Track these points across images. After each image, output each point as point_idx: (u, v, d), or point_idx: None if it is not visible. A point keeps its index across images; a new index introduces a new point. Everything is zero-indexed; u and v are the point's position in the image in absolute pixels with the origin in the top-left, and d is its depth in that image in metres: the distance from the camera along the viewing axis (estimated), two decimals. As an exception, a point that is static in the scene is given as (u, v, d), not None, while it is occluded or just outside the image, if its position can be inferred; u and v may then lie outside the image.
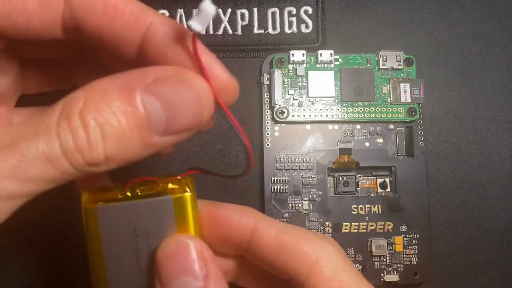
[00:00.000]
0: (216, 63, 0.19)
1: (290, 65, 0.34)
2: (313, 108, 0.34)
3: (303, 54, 0.34)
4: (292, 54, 0.34)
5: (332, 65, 0.34)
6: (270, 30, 0.35)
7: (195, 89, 0.18)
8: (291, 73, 0.34)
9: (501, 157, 0.35)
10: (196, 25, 0.17)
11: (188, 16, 0.35)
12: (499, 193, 0.35)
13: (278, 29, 0.35)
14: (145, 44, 0.19)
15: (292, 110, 0.33)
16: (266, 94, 0.34)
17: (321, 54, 0.34)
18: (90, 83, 0.18)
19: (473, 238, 0.34)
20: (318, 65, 0.34)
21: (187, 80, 0.18)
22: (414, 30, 0.36)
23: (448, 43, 0.36)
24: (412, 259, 0.33)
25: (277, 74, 0.34)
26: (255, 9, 0.35)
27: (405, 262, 0.33)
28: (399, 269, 0.33)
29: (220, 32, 0.35)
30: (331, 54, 0.34)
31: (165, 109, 0.17)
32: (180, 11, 0.35)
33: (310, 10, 0.35)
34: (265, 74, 0.34)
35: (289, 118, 0.33)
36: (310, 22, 0.35)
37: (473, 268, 0.34)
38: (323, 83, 0.34)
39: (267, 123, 0.34)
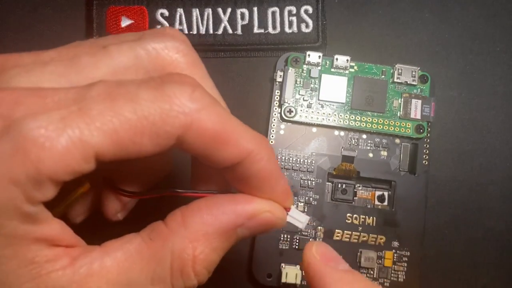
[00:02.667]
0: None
1: (305, 66, 0.34)
2: (321, 111, 0.33)
3: (319, 57, 0.33)
4: (309, 55, 0.33)
5: (347, 72, 0.34)
6: (270, 29, 0.35)
7: (277, 225, 0.22)
8: (305, 74, 0.34)
9: (502, 157, 0.35)
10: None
11: (188, 15, 0.34)
12: (500, 194, 0.34)
13: (278, 29, 0.35)
14: (239, 166, 0.20)
15: (301, 110, 0.33)
16: (277, 91, 0.34)
17: (337, 59, 0.33)
18: (192, 222, 0.20)
19: (473, 238, 0.34)
20: (332, 69, 0.34)
21: (276, 217, 0.21)
22: (415, 29, 0.36)
23: (448, 43, 0.36)
24: (399, 276, 0.33)
25: (291, 72, 0.33)
26: (255, 9, 0.35)
27: (392, 278, 0.33)
28: (386, 284, 0.33)
29: (220, 31, 0.35)
30: (347, 60, 0.33)
31: (252, 233, 0.21)
32: (180, 11, 0.35)
33: (310, 9, 0.35)
34: (278, 71, 0.34)
35: (296, 118, 0.33)
36: (310, 22, 0.35)
37: (474, 269, 0.34)
38: (335, 88, 0.33)
39: (274, 120, 0.33)
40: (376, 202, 0.33)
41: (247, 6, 0.35)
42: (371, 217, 0.33)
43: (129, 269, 0.19)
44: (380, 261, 0.33)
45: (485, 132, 0.35)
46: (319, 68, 0.34)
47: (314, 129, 0.34)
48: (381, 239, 0.33)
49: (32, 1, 0.35)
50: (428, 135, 0.34)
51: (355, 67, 0.34)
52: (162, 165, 0.26)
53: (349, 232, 0.33)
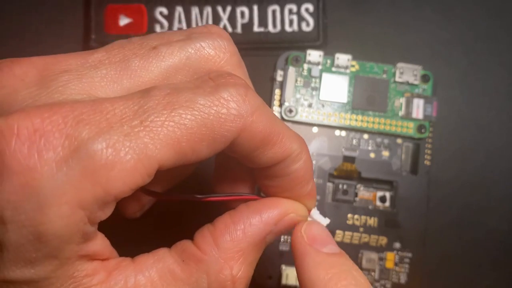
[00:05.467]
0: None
1: (305, 65, 0.33)
2: (322, 111, 0.33)
3: (320, 55, 0.33)
4: (309, 54, 0.33)
5: (348, 71, 0.33)
6: (270, 28, 0.34)
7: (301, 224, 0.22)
8: (305, 73, 0.33)
9: (504, 157, 0.34)
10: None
11: (187, 14, 0.34)
12: (502, 194, 0.34)
13: (279, 28, 0.34)
14: (278, 165, 0.20)
15: (301, 110, 0.33)
16: (277, 90, 0.33)
17: (338, 58, 0.33)
18: (223, 241, 0.20)
19: (476, 239, 0.34)
20: (333, 68, 0.33)
21: (300, 217, 0.22)
22: (416, 29, 0.35)
23: (451, 42, 0.35)
24: (401, 277, 0.32)
25: (291, 71, 0.33)
26: (255, 7, 0.34)
27: (393, 280, 0.32)
28: (387, 285, 0.32)
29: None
30: (348, 59, 0.33)
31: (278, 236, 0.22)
32: (179, 9, 0.34)
33: (311, 8, 0.34)
34: (279, 70, 0.33)
35: (297, 118, 0.33)
36: (311, 20, 0.34)
37: (477, 269, 0.34)
38: (336, 87, 0.33)
39: (274, 119, 0.33)
40: (378, 203, 0.33)
41: (247, 4, 0.34)
42: (372, 218, 0.33)
43: None
44: (381, 263, 0.32)
45: (487, 131, 0.35)
46: (320, 67, 0.33)
47: (315, 129, 0.33)
48: (382, 240, 0.33)
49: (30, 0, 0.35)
50: (430, 135, 0.33)
51: (356, 66, 0.33)
52: (188, 167, 0.25)
53: (350, 233, 0.32)
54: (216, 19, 0.34)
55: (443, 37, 0.35)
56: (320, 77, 0.33)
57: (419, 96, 0.33)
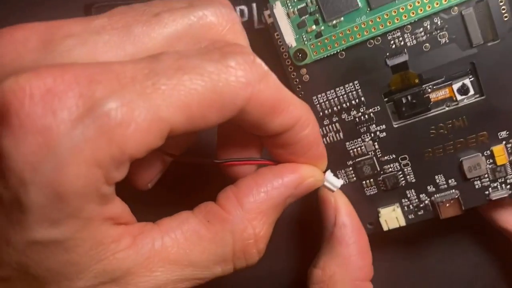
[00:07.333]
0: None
1: (288, -12, 0.25)
2: (337, 32, 0.25)
3: (300, -34, 0.24)
4: (286, -28, 0.24)
5: (344, -35, 0.24)
6: None
7: (316, 187, 0.23)
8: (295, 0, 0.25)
9: None
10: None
11: None
12: None
13: None
14: (286, 133, 0.21)
15: (312, 47, 0.26)
16: (276, 35, 0.26)
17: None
18: (247, 202, 0.21)
19: None
20: (324, -27, 0.24)
21: (317, 181, 0.23)
22: None
23: None
24: (521, 169, 0.26)
25: (278, 6, 0.25)
26: (254, 5, 0.30)
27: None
28: (508, 180, 0.26)
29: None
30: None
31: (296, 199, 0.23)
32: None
33: None
34: (264, 11, 0.26)
35: (313, 58, 0.26)
36: None
37: None
38: (338, -4, 0.24)
39: (291, 69, 0.27)
40: (459, 97, 0.26)
41: (245, 3, 0.30)
42: (459, 118, 0.26)
43: (189, 250, 0.19)
44: (490, 161, 0.26)
45: None
46: (308, -22, 0.25)
47: (342, 55, 0.26)
48: (482, 136, 0.26)
49: (31, 4, 0.33)
50: (496, -22, 0.23)
51: None
52: (191, 136, 0.24)
53: (440, 146, 0.27)
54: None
55: None
56: (314, -9, 0.25)
57: None
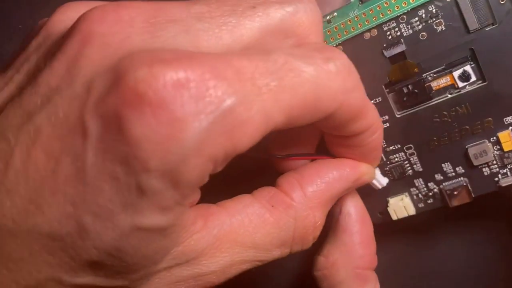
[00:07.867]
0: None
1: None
2: (331, 27, 0.26)
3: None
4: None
5: (333, -40, 0.24)
6: None
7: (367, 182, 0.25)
8: (288, -3, 0.26)
9: None
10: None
11: None
12: None
13: None
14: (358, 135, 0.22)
15: (308, 43, 0.26)
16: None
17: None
18: (310, 191, 0.22)
19: None
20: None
21: (371, 178, 0.25)
22: None
23: None
24: (530, 154, 0.25)
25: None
26: None
27: (522, 159, 0.26)
28: (515, 170, 0.26)
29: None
30: None
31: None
32: None
33: None
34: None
35: (310, 54, 0.26)
36: None
37: None
38: (329, -8, 0.25)
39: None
40: (460, 84, 0.25)
41: None
42: (463, 105, 0.26)
43: (254, 232, 0.20)
44: (497, 147, 0.26)
45: None
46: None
47: (339, 49, 0.26)
48: (487, 122, 0.25)
49: (31, 6, 0.34)
50: (489, -39, 0.23)
51: None
52: None
53: (445, 134, 0.26)
54: None
55: None
56: (307, -12, 0.25)
57: None
